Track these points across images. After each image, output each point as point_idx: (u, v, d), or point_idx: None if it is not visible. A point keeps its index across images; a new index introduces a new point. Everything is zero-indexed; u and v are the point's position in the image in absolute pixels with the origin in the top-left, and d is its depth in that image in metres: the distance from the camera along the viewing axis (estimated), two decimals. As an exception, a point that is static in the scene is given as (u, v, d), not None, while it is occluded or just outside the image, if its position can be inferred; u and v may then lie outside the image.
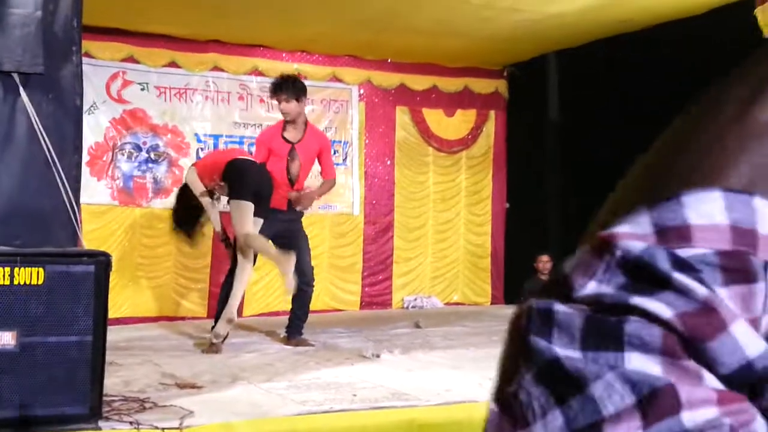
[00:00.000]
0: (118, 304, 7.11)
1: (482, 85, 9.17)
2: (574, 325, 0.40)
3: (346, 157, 8.53)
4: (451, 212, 9.10)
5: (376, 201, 8.70)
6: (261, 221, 5.63)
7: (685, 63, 7.26)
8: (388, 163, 8.79)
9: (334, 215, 8.39)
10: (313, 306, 7.89)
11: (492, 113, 9.26)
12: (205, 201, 5.87)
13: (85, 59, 3.67)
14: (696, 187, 0.41)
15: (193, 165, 6.17)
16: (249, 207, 5.54)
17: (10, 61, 3.12)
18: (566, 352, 0.40)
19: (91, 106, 7.07)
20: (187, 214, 6.04)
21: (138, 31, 7.36)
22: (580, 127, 8.75)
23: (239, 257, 5.69)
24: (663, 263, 0.40)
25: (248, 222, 5.53)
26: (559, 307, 0.41)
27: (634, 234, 0.42)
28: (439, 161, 9.01)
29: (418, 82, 8.82)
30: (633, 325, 0.39)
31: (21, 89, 3.15)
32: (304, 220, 6.22)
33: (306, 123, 6.05)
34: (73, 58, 3.29)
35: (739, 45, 6.36)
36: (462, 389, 4.09)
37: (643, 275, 0.40)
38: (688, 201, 0.41)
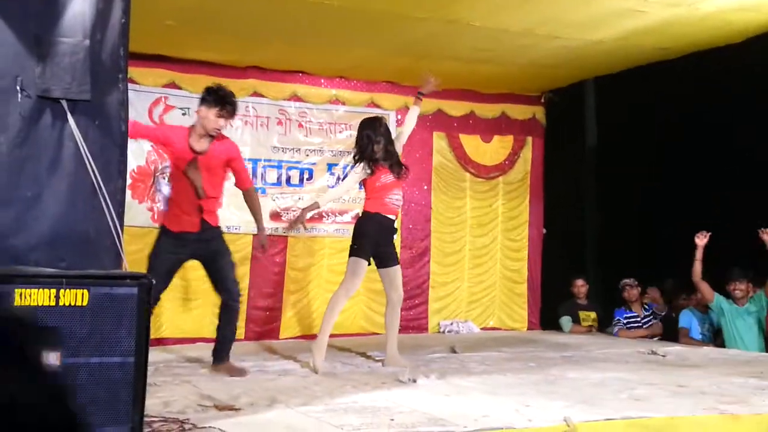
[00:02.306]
0: (157, 325, 7.20)
1: (519, 111, 9.19)
2: None
3: (383, 183, 8.56)
4: (488, 237, 9.10)
5: (413, 226, 8.73)
6: None
7: (723, 90, 7.25)
8: (425, 188, 8.83)
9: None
10: (349, 329, 7.97)
11: (529, 139, 9.28)
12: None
13: (128, 85, 3.75)
14: None
15: None
16: None
17: (58, 88, 3.20)
18: None
19: (134, 130, 7.19)
20: None
21: (180, 58, 7.50)
22: (617, 154, 8.73)
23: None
24: None
25: None
26: None
27: None
28: (476, 187, 9.02)
29: (456, 108, 8.87)
30: None
31: (69, 115, 3.23)
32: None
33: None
34: (119, 85, 3.37)
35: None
36: (499, 415, 4.08)
37: None
38: None
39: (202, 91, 5.60)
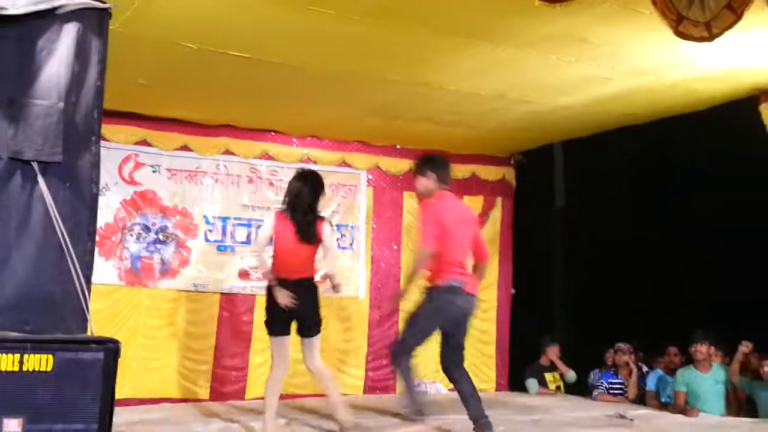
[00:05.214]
0: (120, 385, 7.04)
1: (489, 172, 9.27)
2: None
3: (353, 241, 8.58)
4: (457, 298, 9.07)
5: (382, 285, 8.70)
6: None
7: (689, 156, 7.39)
8: (395, 247, 8.83)
9: (339, 298, 8.37)
10: (316, 389, 7.85)
11: (499, 200, 9.34)
12: None
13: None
14: None
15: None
16: None
17: (30, 149, 3.18)
18: None
19: (103, 187, 7.15)
20: None
21: (151, 115, 7.50)
22: (585, 215, 8.83)
23: None
24: None
25: None
26: None
27: None
28: (445, 246, 9.01)
29: (426, 168, 8.90)
30: None
31: (39, 177, 3.21)
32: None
33: None
34: (92, 147, 3.36)
35: (743, 140, 6.51)
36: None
37: None
38: None
39: None
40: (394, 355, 5.65)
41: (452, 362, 5.66)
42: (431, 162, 5.78)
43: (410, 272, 5.73)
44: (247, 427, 6.15)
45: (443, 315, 5.54)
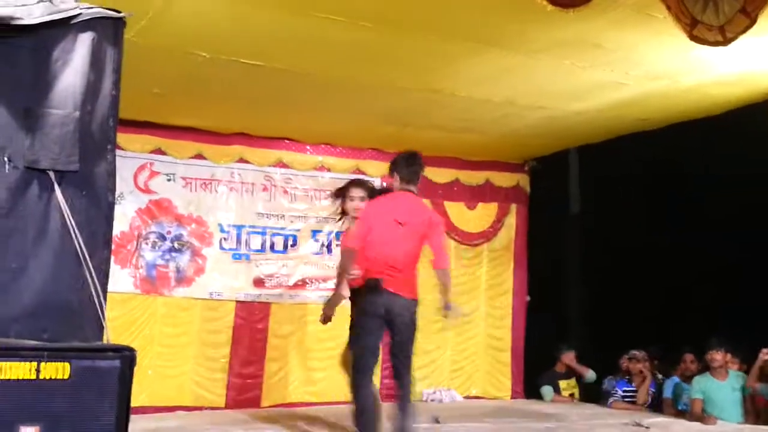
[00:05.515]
0: (136, 393, 7.05)
1: (504, 179, 9.26)
2: None
3: (367, 248, 8.56)
4: (472, 305, 9.07)
5: (396, 292, 8.67)
6: None
7: (703, 161, 7.34)
8: (409, 254, 8.80)
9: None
10: (330, 398, 7.86)
11: (513, 206, 9.32)
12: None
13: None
14: None
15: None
16: None
17: (46, 159, 3.19)
18: None
19: (118, 196, 7.17)
20: None
21: (166, 124, 7.53)
22: (600, 221, 8.79)
23: None
24: None
25: None
26: None
27: None
28: (460, 253, 9.02)
29: (441, 175, 8.91)
30: None
31: (56, 186, 3.22)
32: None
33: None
34: (107, 156, 3.37)
35: (758, 144, 6.47)
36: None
37: None
38: None
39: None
40: (351, 386, 5.47)
41: (395, 367, 5.49)
42: (394, 163, 5.69)
43: (337, 274, 5.69)
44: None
45: (368, 315, 5.40)
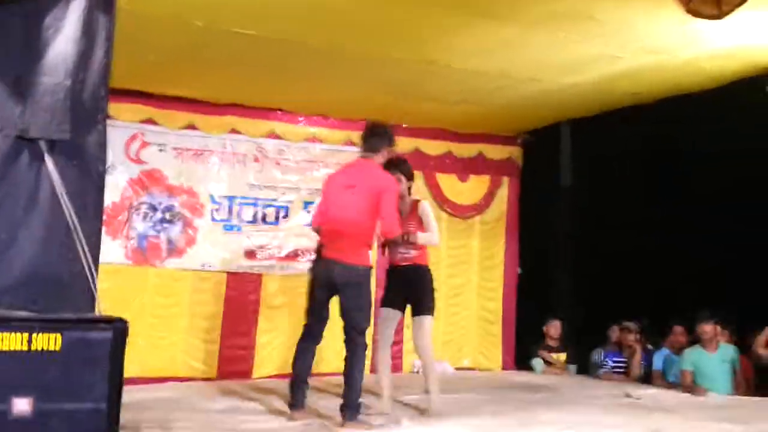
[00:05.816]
0: (127, 364, 7.05)
1: (496, 152, 9.24)
2: None
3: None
4: (463, 277, 9.09)
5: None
6: None
7: (697, 135, 7.33)
8: (403, 225, 8.80)
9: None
10: (325, 369, 7.87)
11: (505, 179, 9.32)
12: None
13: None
14: None
15: None
16: None
17: (36, 128, 3.17)
18: None
19: (109, 166, 7.13)
20: None
21: (158, 94, 7.47)
22: (592, 195, 8.79)
23: None
24: None
25: None
26: None
27: None
28: (452, 226, 9.02)
29: (433, 147, 8.89)
30: None
31: (46, 155, 3.20)
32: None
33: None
34: (98, 125, 3.35)
35: (752, 119, 6.45)
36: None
37: None
38: None
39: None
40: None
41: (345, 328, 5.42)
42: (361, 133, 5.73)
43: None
44: (254, 406, 6.16)
45: (314, 282, 5.51)
